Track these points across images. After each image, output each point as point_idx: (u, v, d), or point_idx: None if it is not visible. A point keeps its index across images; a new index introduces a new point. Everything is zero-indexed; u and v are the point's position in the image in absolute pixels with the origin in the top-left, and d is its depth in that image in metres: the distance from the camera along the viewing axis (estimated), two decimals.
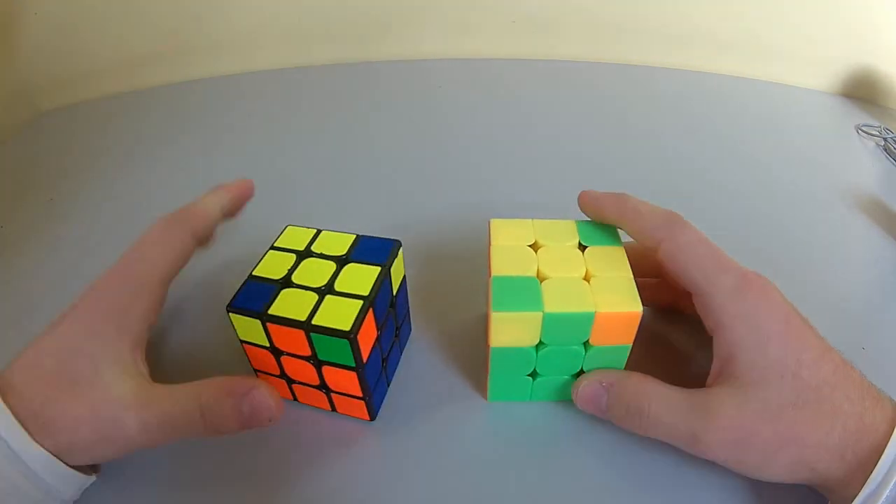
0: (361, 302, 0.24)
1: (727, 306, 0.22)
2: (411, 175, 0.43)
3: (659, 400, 0.23)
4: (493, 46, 0.59)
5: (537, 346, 0.24)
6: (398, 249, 0.27)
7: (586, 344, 0.24)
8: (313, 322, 0.23)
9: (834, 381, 0.21)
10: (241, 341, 0.25)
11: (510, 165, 0.44)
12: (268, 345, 0.24)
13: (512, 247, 0.25)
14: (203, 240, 0.27)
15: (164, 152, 0.46)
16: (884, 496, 0.19)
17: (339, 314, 0.23)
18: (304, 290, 0.24)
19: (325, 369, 0.25)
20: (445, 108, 0.52)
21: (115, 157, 0.46)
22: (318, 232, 0.27)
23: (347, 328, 0.23)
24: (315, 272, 0.25)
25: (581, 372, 0.25)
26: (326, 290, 0.24)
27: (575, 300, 0.23)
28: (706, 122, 0.50)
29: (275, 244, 0.27)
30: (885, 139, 0.47)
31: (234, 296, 0.24)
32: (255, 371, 0.27)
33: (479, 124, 0.49)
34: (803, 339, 0.22)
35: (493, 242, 0.26)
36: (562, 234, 0.26)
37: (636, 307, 0.23)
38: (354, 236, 0.27)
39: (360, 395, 0.25)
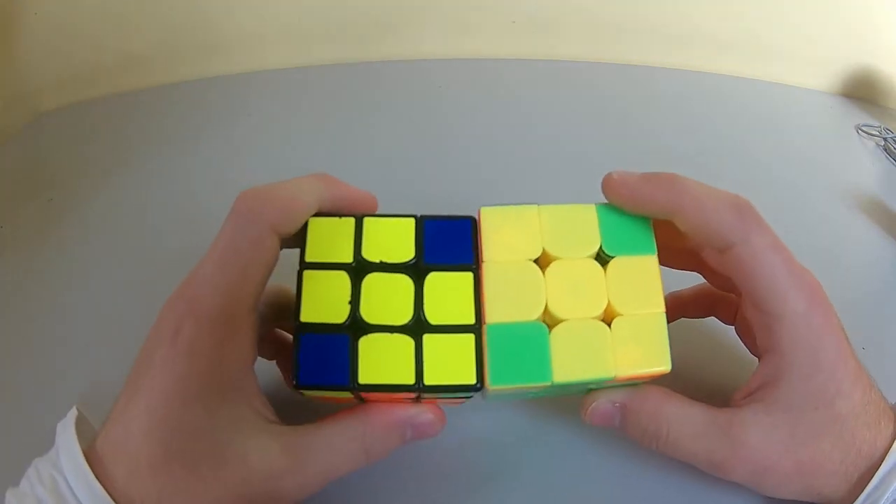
0: (473, 336, 0.19)
1: (791, 333, 0.20)
2: (411, 175, 0.43)
3: (678, 424, 0.21)
4: (493, 46, 0.59)
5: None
6: (476, 231, 0.20)
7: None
8: (427, 383, 0.18)
9: (859, 409, 0.20)
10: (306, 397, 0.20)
11: (510, 165, 0.44)
12: (351, 398, 0.20)
13: (511, 264, 0.20)
14: (290, 237, 0.20)
15: (164, 152, 0.46)
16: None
17: (452, 360, 0.18)
18: (388, 334, 0.19)
19: (428, 398, 0.20)
20: (445, 108, 0.52)
21: (116, 157, 0.46)
22: (360, 220, 0.20)
23: (473, 380, 0.18)
24: (389, 298, 0.19)
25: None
26: (419, 326, 0.19)
27: (591, 360, 0.19)
28: (706, 122, 0.50)
29: (306, 258, 0.19)
30: (885, 139, 0.47)
31: (295, 364, 0.18)
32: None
33: (479, 124, 0.49)
34: (846, 366, 0.21)
35: (485, 255, 0.20)
36: (577, 234, 0.20)
37: (664, 365, 0.19)
38: (413, 220, 0.20)
39: (461, 402, 0.22)
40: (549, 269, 0.20)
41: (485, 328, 0.19)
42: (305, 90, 0.55)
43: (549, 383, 0.18)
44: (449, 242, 0.20)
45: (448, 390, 0.18)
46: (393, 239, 0.20)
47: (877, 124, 0.50)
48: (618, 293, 0.20)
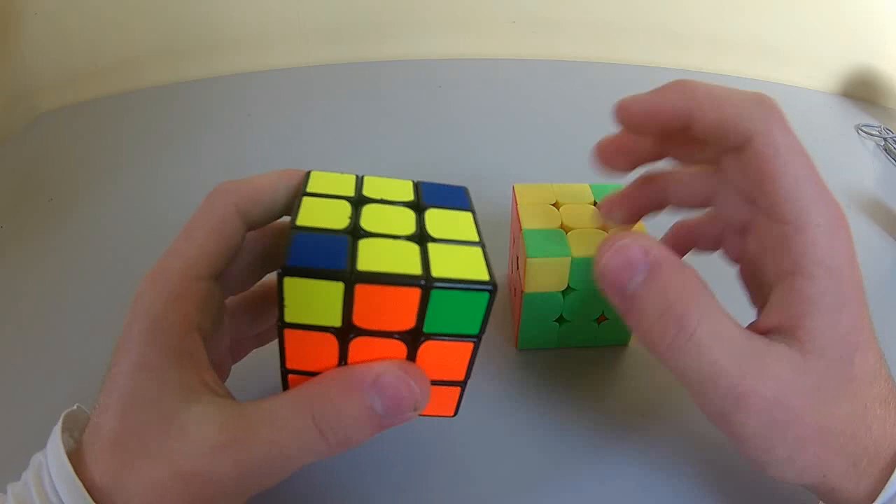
0: (480, 249, 0.18)
1: (816, 250, 0.17)
2: (411, 174, 0.43)
3: (712, 321, 0.17)
4: (493, 46, 0.59)
5: (564, 291, 0.26)
6: (470, 197, 0.21)
7: None
8: (435, 274, 0.16)
9: (872, 375, 0.18)
10: (285, 325, 0.17)
11: (510, 165, 0.44)
12: (338, 324, 0.17)
13: (536, 205, 0.28)
14: (255, 221, 0.20)
15: (164, 152, 0.46)
16: None
17: (460, 264, 0.17)
18: (391, 240, 0.17)
19: (425, 348, 0.18)
20: (445, 108, 0.52)
21: (115, 157, 0.46)
22: (361, 177, 0.20)
23: (486, 277, 0.17)
24: (389, 220, 0.18)
25: (603, 317, 0.28)
26: (423, 237, 0.18)
27: (595, 246, 0.24)
28: None
29: (307, 190, 0.19)
30: (885, 139, 0.47)
31: (286, 252, 0.16)
32: (287, 371, 0.18)
33: (479, 124, 0.49)
34: (865, 315, 0.18)
35: (519, 202, 0.29)
36: (579, 195, 0.29)
37: None
38: (412, 182, 0.21)
39: (461, 378, 0.19)
40: (562, 207, 0.28)
41: (522, 231, 0.26)
42: (305, 90, 0.55)
43: (569, 256, 0.25)
44: (446, 198, 0.21)
45: (458, 287, 0.16)
46: (392, 190, 0.20)
47: (877, 124, 0.50)
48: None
